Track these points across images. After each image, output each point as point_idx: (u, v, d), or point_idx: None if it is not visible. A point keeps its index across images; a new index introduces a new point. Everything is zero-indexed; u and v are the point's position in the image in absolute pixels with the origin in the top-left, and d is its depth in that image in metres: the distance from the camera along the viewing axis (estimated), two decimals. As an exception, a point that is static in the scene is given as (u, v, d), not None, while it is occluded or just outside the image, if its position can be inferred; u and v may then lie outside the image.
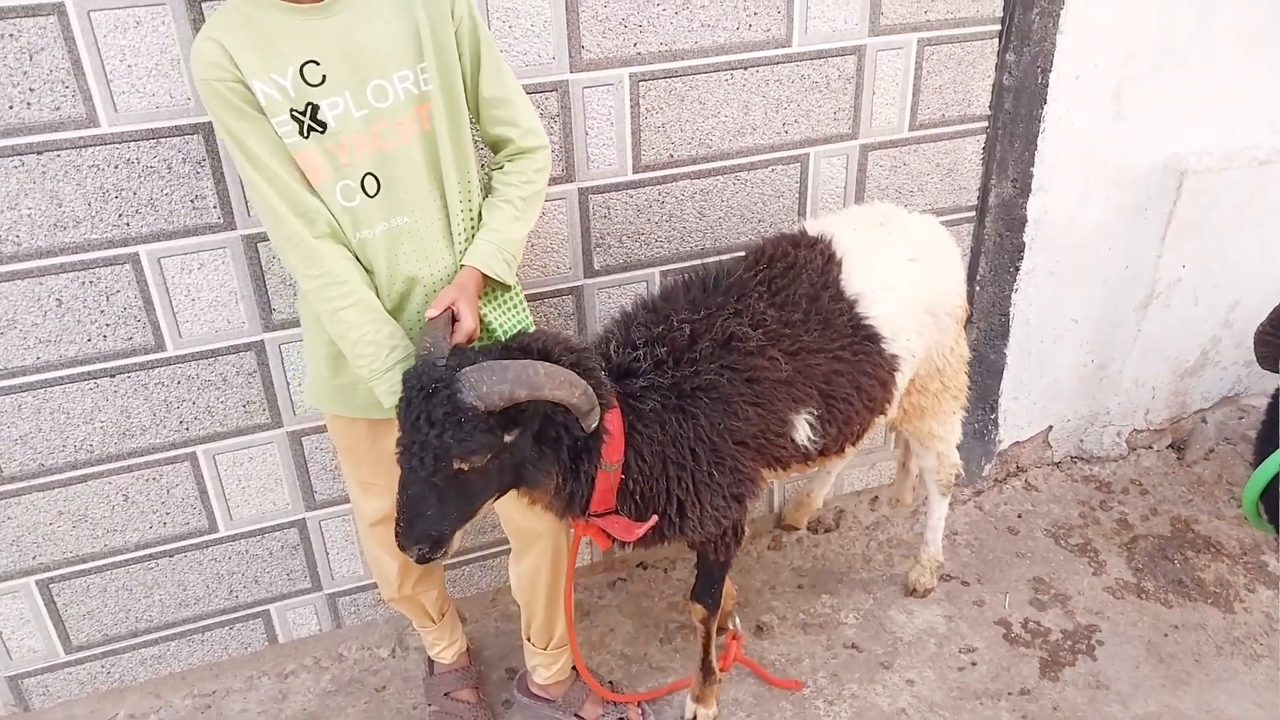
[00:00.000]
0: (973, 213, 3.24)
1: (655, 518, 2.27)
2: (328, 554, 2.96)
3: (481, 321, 2.27)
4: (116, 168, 2.35)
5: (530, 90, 2.56)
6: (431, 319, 2.10)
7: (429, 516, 2.00)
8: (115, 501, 2.69)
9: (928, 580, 3.24)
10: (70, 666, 2.85)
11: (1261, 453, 2.28)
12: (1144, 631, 3.13)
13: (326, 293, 2.10)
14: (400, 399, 2.00)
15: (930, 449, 3.00)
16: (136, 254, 2.45)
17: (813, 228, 2.60)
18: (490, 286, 2.30)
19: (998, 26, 2.97)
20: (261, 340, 2.64)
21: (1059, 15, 2.97)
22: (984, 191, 3.20)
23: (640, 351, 2.27)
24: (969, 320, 3.35)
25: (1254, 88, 3.33)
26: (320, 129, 2.02)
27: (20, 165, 2.28)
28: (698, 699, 2.82)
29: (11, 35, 2.17)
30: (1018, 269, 3.32)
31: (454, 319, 2.12)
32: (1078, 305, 3.49)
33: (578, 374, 2.05)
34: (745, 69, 2.76)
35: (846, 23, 2.80)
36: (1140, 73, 3.16)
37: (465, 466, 1.96)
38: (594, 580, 3.34)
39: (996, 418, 3.58)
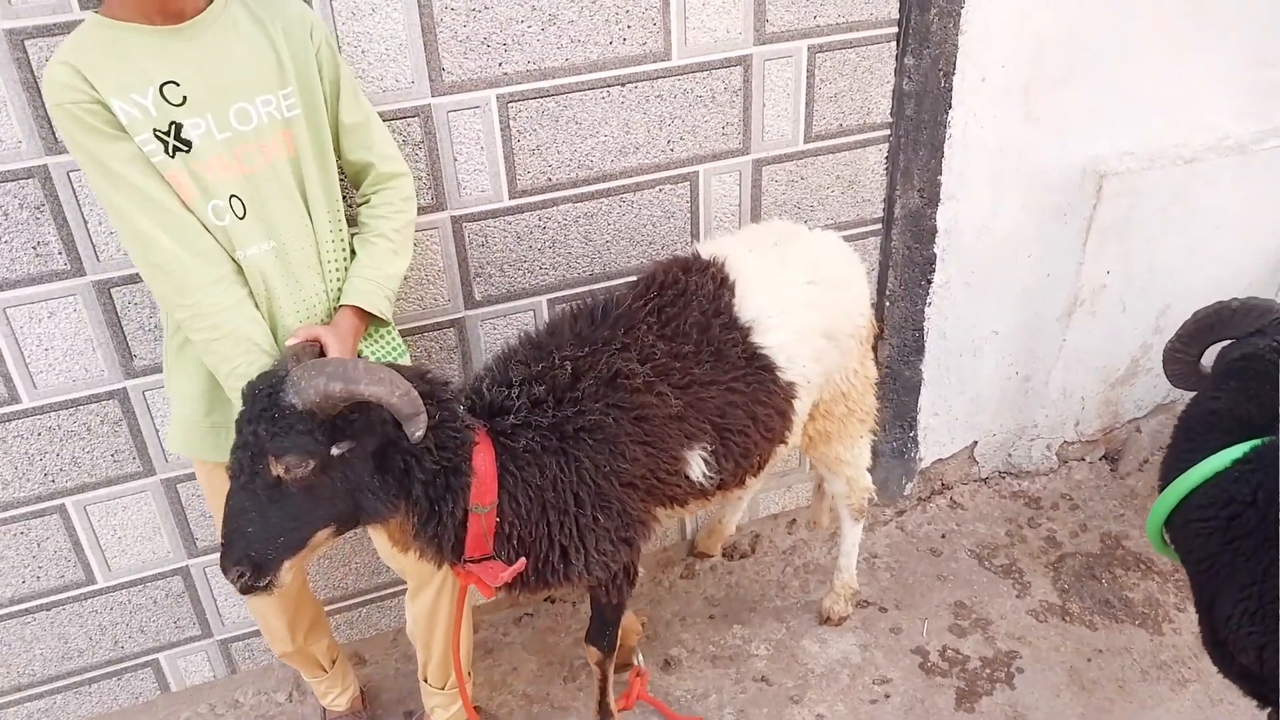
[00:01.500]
0: (879, 225, 3.12)
1: (522, 562, 2.17)
2: (215, 600, 2.87)
3: (361, 359, 2.18)
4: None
5: (390, 116, 2.47)
6: (291, 347, 2.02)
7: (250, 535, 1.89)
8: (-20, 556, 2.60)
9: (841, 608, 3.13)
10: (-53, 725, 2.77)
11: (1166, 477, 2.16)
12: (1066, 657, 3.03)
13: (197, 323, 2.03)
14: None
15: (839, 474, 2.89)
16: (-15, 301, 2.36)
17: (706, 250, 2.50)
18: (369, 325, 2.22)
19: (894, 29, 2.85)
20: (124, 387, 2.54)
21: (959, 15, 2.85)
22: (889, 203, 3.08)
23: (516, 390, 2.17)
24: (880, 337, 3.25)
25: (1174, 86, 3.21)
26: (186, 148, 1.96)
27: None
28: (594, 741, 2.73)
29: None
30: (930, 282, 3.21)
31: (323, 353, 2.04)
32: (997, 317, 3.38)
33: (429, 400, 1.96)
34: (623, 85, 2.65)
35: (729, 32, 2.69)
36: (1051, 73, 3.04)
37: (283, 472, 1.86)
38: (499, 617, 3.24)
39: (916, 435, 3.46)
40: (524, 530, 2.18)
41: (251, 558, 1.90)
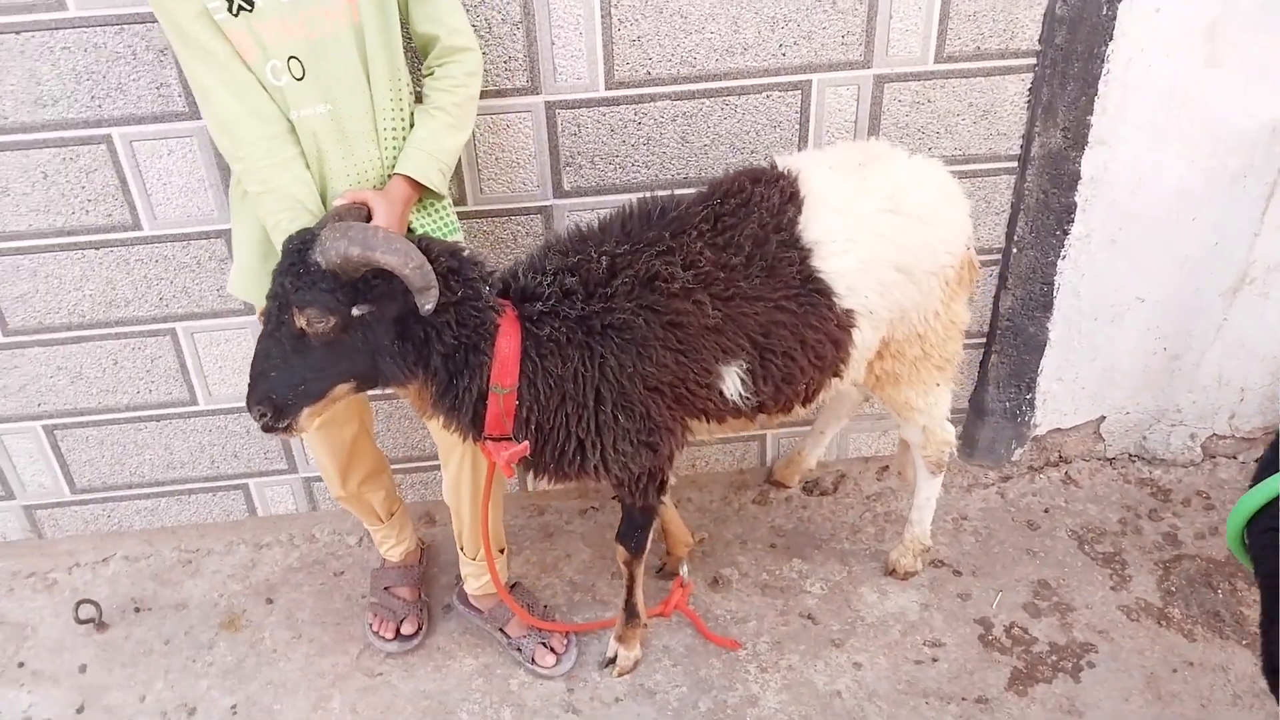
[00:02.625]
0: (1014, 163, 2.84)
1: (525, 446, 2.20)
2: (301, 440, 3.09)
3: (411, 230, 2.26)
4: (86, 51, 2.48)
5: (490, -7, 2.47)
6: (337, 207, 2.11)
7: (273, 379, 2.02)
8: (106, 364, 2.91)
9: (909, 562, 2.98)
10: (75, 505, 3.16)
11: (1259, 475, 1.90)
12: (1150, 662, 2.75)
13: (248, 176, 2.15)
14: None
15: (911, 421, 2.72)
16: (110, 135, 2.59)
17: (784, 162, 2.38)
18: (422, 196, 2.28)
19: (1052, -56, 2.55)
20: (230, 230, 2.73)
21: (1132, -67, 2.51)
22: (1028, 140, 2.79)
23: (549, 278, 2.18)
24: (1004, 286, 3.00)
25: None
26: (249, 7, 2.04)
27: (1, 44, 2.45)
28: (619, 639, 2.76)
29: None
30: (1066, 233, 2.90)
31: (369, 216, 2.12)
32: (1145, 282, 3.02)
33: (454, 277, 2.02)
34: (735, -19, 2.53)
35: (857, -65, 2.50)
36: (1246, 10, 2.63)
37: (306, 325, 1.96)
38: (566, 505, 3.31)
39: (1033, 398, 3.19)
40: (541, 417, 2.20)
41: (272, 400, 2.03)
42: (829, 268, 2.27)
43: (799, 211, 2.28)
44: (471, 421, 2.19)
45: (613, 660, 2.76)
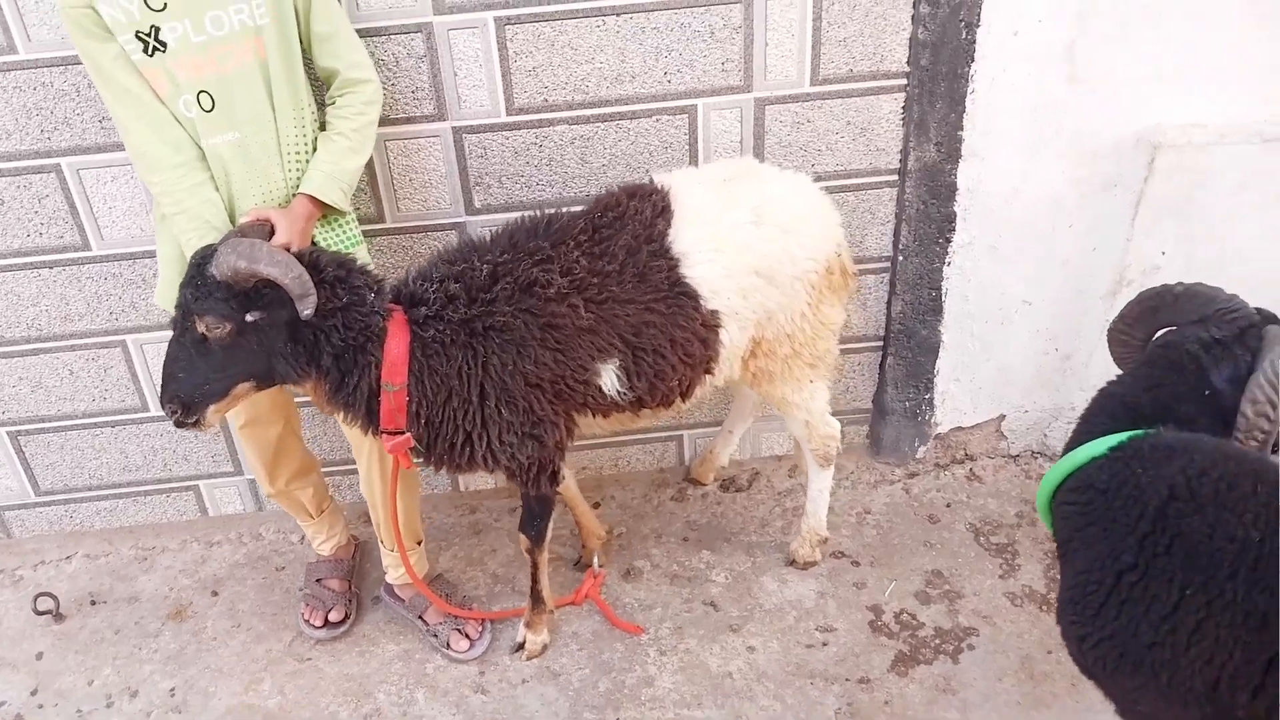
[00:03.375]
0: (895, 176, 3.05)
1: (407, 438, 2.43)
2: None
3: (314, 243, 2.50)
4: (35, 89, 2.75)
5: (396, 31, 2.74)
6: (241, 224, 2.35)
7: (180, 380, 2.26)
8: (63, 374, 3.18)
9: (807, 552, 3.16)
10: (40, 506, 3.42)
11: (1071, 444, 2.09)
12: (1027, 645, 2.91)
13: (163, 199, 2.41)
14: None
15: (792, 417, 2.91)
16: (59, 164, 2.86)
17: (660, 179, 2.60)
18: (327, 214, 2.52)
19: (909, -24, 2.77)
20: (169, 247, 2.99)
21: (982, -36, 2.72)
22: (904, 154, 3.00)
23: (435, 285, 2.40)
24: (894, 291, 3.19)
25: (1258, 55, 2.88)
26: (163, 49, 2.30)
27: (-43, 82, 2.73)
28: (527, 624, 2.95)
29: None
30: (949, 240, 3.10)
31: (272, 232, 2.36)
32: (1030, 287, 3.21)
33: (341, 285, 2.26)
34: (618, 15, 2.76)
35: (728, -31, 2.72)
36: (1101, 30, 2.83)
37: (205, 331, 2.20)
38: (497, 504, 3.53)
39: (931, 398, 3.38)
40: (430, 412, 2.42)
41: (180, 398, 2.28)
42: (695, 274, 2.49)
43: (668, 224, 2.50)
44: (367, 416, 2.43)
45: (522, 645, 2.96)
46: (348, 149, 2.49)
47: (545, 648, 2.97)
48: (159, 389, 2.29)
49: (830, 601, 3.09)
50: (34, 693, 2.98)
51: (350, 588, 3.17)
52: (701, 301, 2.50)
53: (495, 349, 2.39)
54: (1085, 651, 1.87)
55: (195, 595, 3.27)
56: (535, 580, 2.90)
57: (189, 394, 2.27)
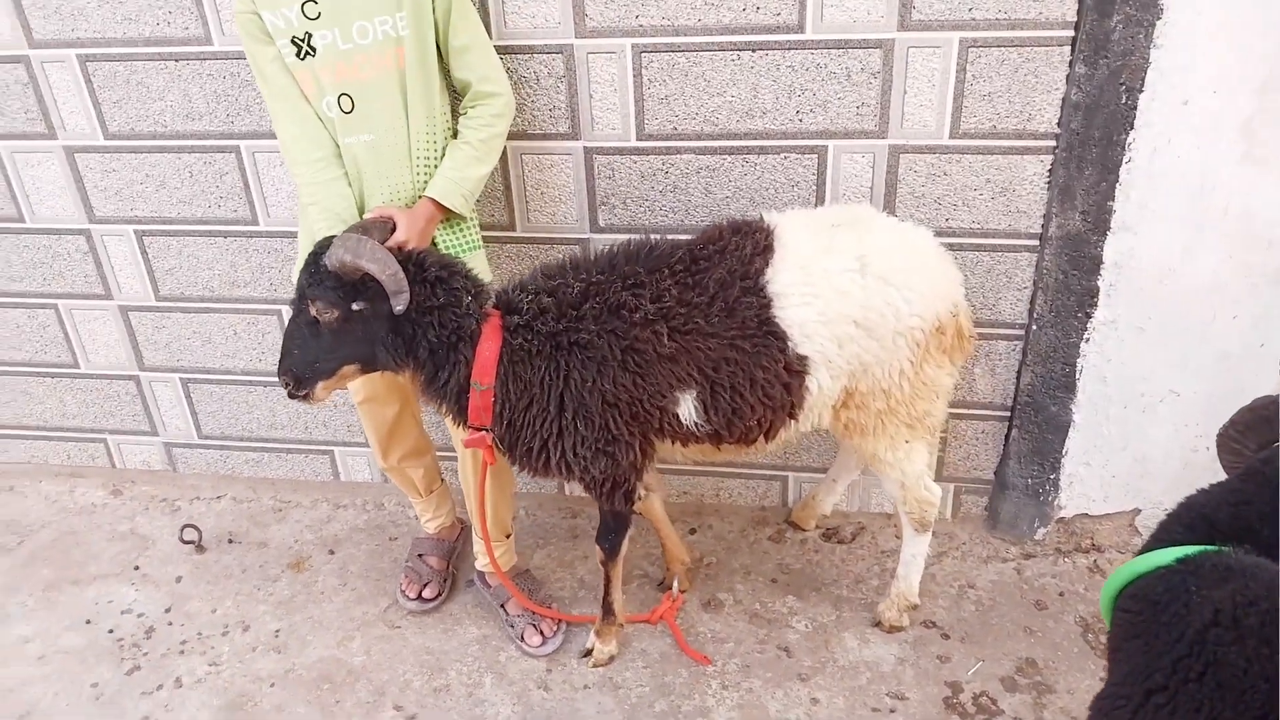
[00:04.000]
0: (1035, 241, 2.87)
1: (484, 436, 2.55)
2: (376, 418, 3.58)
3: (435, 244, 2.68)
4: (224, 78, 3.07)
5: (538, 51, 2.85)
6: (365, 219, 2.55)
7: (295, 356, 2.48)
8: (228, 333, 3.53)
9: (893, 616, 3.04)
10: (201, 448, 3.82)
11: (1147, 547, 1.96)
12: (1111, 757, 2.69)
13: (302, 192, 2.65)
14: None
15: (885, 475, 2.81)
16: (239, 146, 3.17)
17: (769, 218, 2.59)
18: (449, 217, 2.69)
19: (1069, 32, 2.58)
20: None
21: (1152, 26, 2.51)
22: (1047, 219, 2.82)
23: (530, 296, 2.51)
24: (1025, 362, 3.01)
25: None
26: (314, 53, 2.53)
27: (164, 68, 3.08)
28: (597, 633, 3.02)
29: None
30: (1089, 315, 2.88)
31: (394, 229, 2.55)
32: (1180, 375, 2.93)
33: (440, 285, 2.41)
34: (753, 50, 2.75)
35: (869, 14, 2.65)
36: (1287, 109, 2.55)
37: (316, 314, 2.39)
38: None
39: (1057, 478, 3.15)
40: (513, 415, 2.53)
41: (293, 372, 2.49)
42: (786, 316, 2.46)
43: (767, 263, 2.48)
44: (457, 410, 2.57)
45: (589, 652, 3.03)
46: (473, 158, 2.63)
47: (612, 659, 3.03)
48: (278, 361, 2.50)
49: (908, 669, 2.97)
50: (167, 610, 3.34)
51: (449, 567, 3.35)
52: (789, 344, 2.47)
53: (577, 364, 2.46)
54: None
55: (315, 550, 3.56)
56: (607, 592, 2.96)
57: (301, 369, 2.48)
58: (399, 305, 2.34)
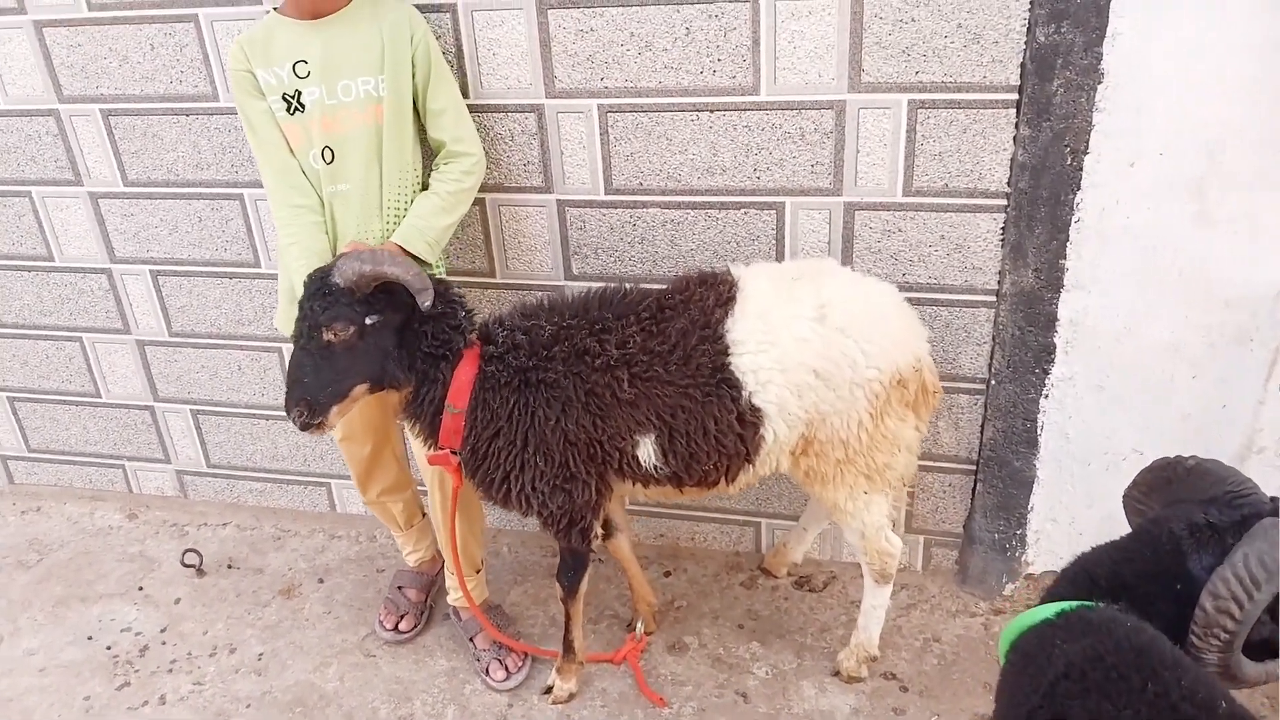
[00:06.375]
0: (992, 296, 2.90)
1: (444, 455, 2.67)
2: (369, 454, 3.73)
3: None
4: (226, 132, 3.29)
5: (511, 110, 3.01)
6: (343, 252, 2.70)
7: (305, 384, 2.55)
8: (233, 368, 3.73)
9: (852, 666, 3.05)
10: (209, 476, 4.02)
11: (1048, 596, 2.01)
12: (1058, 820, 2.65)
13: (281, 232, 2.83)
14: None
15: (846, 525, 2.84)
16: (241, 195, 3.39)
17: (735, 270, 2.68)
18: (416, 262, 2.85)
19: (1013, 96, 2.63)
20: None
21: (1094, 90, 2.55)
22: (1001, 276, 2.85)
23: (506, 331, 2.65)
24: (986, 416, 3.03)
25: None
26: (302, 109, 2.72)
27: (176, 122, 3.32)
28: (558, 671, 3.09)
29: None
30: (1047, 372, 2.89)
31: None
32: (1143, 435, 2.91)
33: (442, 300, 2.56)
34: (711, 111, 2.86)
35: (821, 76, 2.74)
36: (1237, 173, 2.55)
37: (332, 336, 2.49)
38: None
39: (1024, 534, 3.14)
40: (478, 442, 2.65)
41: (306, 400, 2.56)
42: (742, 364, 2.54)
43: (726, 313, 2.57)
44: (430, 429, 2.69)
45: (550, 689, 3.11)
46: (439, 208, 2.79)
47: (572, 696, 3.09)
48: (285, 395, 2.56)
49: (861, 720, 2.98)
50: (163, 629, 3.52)
51: (426, 600, 3.46)
52: (743, 392, 2.54)
53: (542, 402, 2.58)
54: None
55: (306, 579, 3.71)
56: (567, 630, 3.03)
57: (315, 395, 2.54)
58: (426, 300, 2.46)
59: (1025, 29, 2.56)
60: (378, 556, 3.81)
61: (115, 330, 3.80)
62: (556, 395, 2.57)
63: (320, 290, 2.49)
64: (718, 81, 2.82)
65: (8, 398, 4.09)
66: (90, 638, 3.49)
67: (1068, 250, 2.74)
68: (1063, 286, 2.79)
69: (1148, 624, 1.68)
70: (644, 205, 3.04)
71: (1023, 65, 2.60)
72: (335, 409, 2.57)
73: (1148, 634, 1.66)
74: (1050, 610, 1.80)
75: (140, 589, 3.73)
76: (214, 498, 4.08)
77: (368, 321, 2.48)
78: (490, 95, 3.01)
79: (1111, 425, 2.94)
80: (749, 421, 2.58)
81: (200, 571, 3.75)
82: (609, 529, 3.12)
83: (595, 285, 2.71)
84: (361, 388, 2.60)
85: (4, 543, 4.04)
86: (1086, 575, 1.88)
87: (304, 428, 2.59)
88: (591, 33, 2.84)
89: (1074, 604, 1.77)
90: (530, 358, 2.58)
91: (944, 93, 2.68)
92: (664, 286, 2.67)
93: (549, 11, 2.85)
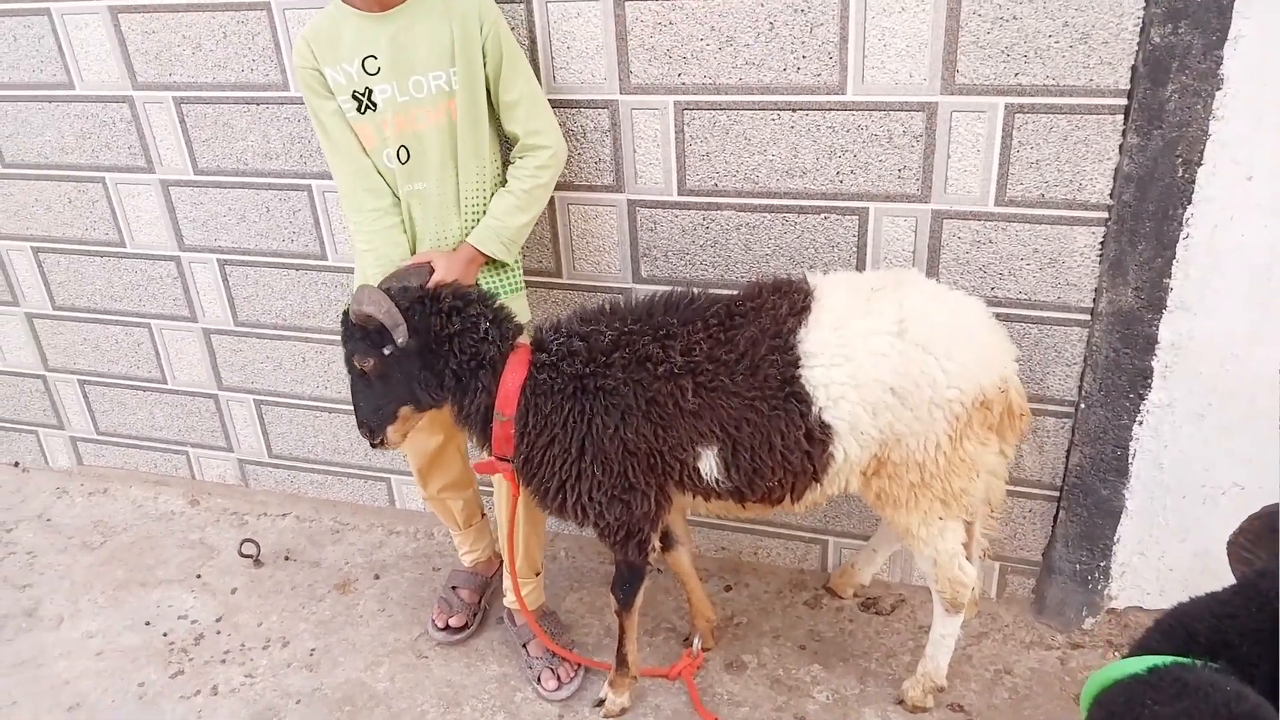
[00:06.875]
0: (1087, 315, 2.72)
1: (493, 463, 2.63)
2: (429, 451, 3.67)
3: (478, 284, 2.77)
4: (295, 122, 3.25)
5: (584, 106, 2.91)
6: (404, 264, 2.66)
7: (361, 408, 2.64)
8: (297, 360, 3.71)
9: (917, 695, 2.91)
10: (270, 467, 4.00)
11: (1133, 652, 1.86)
12: None
13: (357, 236, 2.79)
14: None
15: (918, 551, 2.69)
16: (310, 185, 3.35)
17: (812, 278, 2.56)
18: (490, 261, 2.77)
19: (1121, 101, 2.45)
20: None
21: (1211, 97, 2.36)
22: (1097, 294, 2.67)
23: (562, 337, 2.56)
24: (1073, 441, 2.85)
25: None
26: (374, 107, 2.66)
27: (246, 111, 3.29)
28: (611, 684, 3.00)
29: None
30: (1142, 397, 2.71)
31: (431, 272, 2.65)
32: (1246, 469, 2.71)
33: (456, 314, 2.50)
34: (794, 111, 2.72)
35: (912, 77, 2.59)
36: (1369, 188, 2.35)
37: (360, 367, 2.53)
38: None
39: (1108, 566, 2.96)
40: (531, 451, 2.58)
41: (366, 423, 2.64)
42: (814, 378, 2.41)
43: (799, 323, 2.45)
44: (482, 436, 2.64)
45: (602, 702, 3.02)
46: (515, 207, 2.71)
47: (624, 711, 3.00)
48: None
49: (926, 756, 2.84)
50: (219, 619, 3.51)
51: (480, 601, 3.40)
52: (812, 407, 2.42)
53: (600, 410, 2.49)
54: None
55: (362, 574, 3.68)
56: (621, 643, 2.94)
57: (368, 419, 2.63)
58: (399, 337, 2.43)
59: (1139, 29, 2.38)
60: (434, 554, 3.75)
61: (183, 318, 3.80)
62: (615, 403, 2.47)
63: (343, 324, 2.54)
64: (801, 80, 2.68)
65: (79, 380, 4.13)
66: (148, 623, 3.50)
67: (1173, 268, 2.55)
68: (1165, 307, 2.60)
69: (1249, 689, 1.53)
70: (718, 207, 2.92)
71: (1134, 68, 2.42)
72: (390, 429, 2.62)
73: (1250, 702, 1.50)
74: (1141, 665, 1.65)
75: (198, 576, 3.73)
76: (275, 488, 4.07)
77: (385, 351, 2.48)
78: (562, 90, 2.91)
79: (1211, 456, 2.74)
80: (818, 438, 2.45)
81: (258, 562, 3.74)
82: (668, 541, 3.02)
83: (662, 289, 2.60)
84: (406, 409, 2.61)
85: (71, 523, 4.09)
86: (1183, 629, 1.72)
87: (373, 446, 2.67)
88: (670, 26, 2.73)
89: (1168, 660, 1.62)
90: (588, 364, 2.48)
91: (1045, 96, 2.51)
92: (735, 292, 2.55)
93: (626, 4, 2.74)
